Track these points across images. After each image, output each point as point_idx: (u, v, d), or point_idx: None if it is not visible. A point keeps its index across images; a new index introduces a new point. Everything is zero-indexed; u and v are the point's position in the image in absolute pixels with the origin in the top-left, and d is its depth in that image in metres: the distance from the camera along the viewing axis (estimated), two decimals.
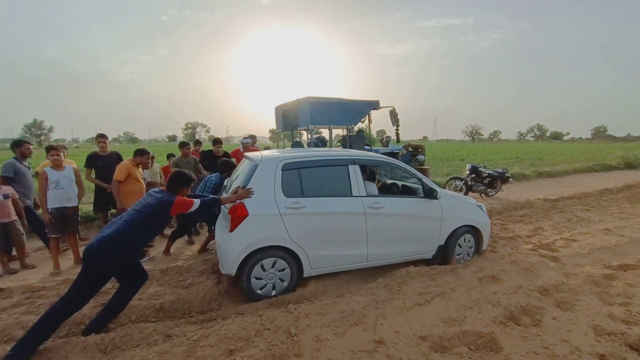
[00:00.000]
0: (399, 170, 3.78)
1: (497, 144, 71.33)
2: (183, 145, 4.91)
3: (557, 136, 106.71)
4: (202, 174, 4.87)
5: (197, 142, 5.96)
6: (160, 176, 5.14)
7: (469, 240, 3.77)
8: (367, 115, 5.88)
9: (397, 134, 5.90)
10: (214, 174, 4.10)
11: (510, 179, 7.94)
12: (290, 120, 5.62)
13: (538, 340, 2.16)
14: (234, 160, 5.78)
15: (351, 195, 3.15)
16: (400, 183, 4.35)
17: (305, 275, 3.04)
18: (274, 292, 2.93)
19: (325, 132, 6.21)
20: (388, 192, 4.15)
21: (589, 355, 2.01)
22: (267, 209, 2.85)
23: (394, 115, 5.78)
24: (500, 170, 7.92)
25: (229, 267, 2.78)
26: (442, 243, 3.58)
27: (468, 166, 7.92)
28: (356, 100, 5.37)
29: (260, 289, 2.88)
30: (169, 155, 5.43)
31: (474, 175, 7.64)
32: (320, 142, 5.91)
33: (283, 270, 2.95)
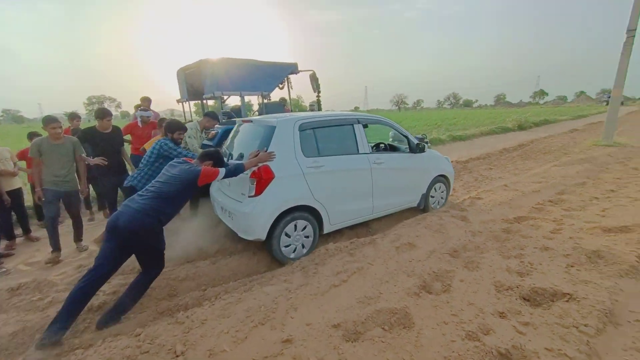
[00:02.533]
0: (390, 129, 4.06)
1: (420, 112, 77.32)
2: (49, 121, 3.34)
3: (468, 104, 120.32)
4: (86, 161, 3.64)
5: (74, 117, 4.71)
6: (15, 164, 3.92)
7: (441, 188, 4.37)
8: (286, 81, 5.35)
9: (319, 101, 5.53)
10: (162, 139, 3.39)
11: (428, 145, 8.41)
12: (195, 87, 4.78)
13: (447, 308, 2.13)
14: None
15: (358, 153, 3.41)
16: (386, 142, 4.55)
17: (325, 231, 3.26)
18: (292, 255, 3.07)
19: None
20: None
21: (491, 315, 2.04)
22: (291, 169, 2.94)
23: (314, 80, 5.36)
24: (419, 136, 8.29)
25: (259, 231, 2.84)
26: (425, 192, 4.11)
27: (391, 133, 8.12)
28: (271, 62, 4.76)
29: (286, 247, 3.03)
30: (31, 135, 4.15)
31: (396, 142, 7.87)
32: (235, 114, 5.23)
33: (308, 237, 3.14)
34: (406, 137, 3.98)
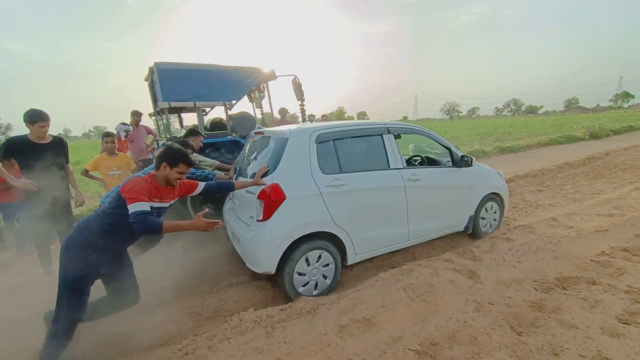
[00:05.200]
0: (429, 139, 3.49)
1: (475, 120, 71.60)
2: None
3: (532, 110, 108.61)
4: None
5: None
6: None
7: (493, 208, 3.68)
8: (266, 89, 4.59)
9: (302, 110, 4.64)
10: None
11: None
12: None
13: None
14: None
15: (389, 168, 2.90)
16: (423, 155, 4.00)
17: (349, 262, 2.71)
18: (315, 292, 2.58)
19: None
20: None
21: None
22: (306, 189, 2.49)
23: (297, 86, 4.51)
24: None
25: (268, 263, 2.38)
26: (473, 213, 3.46)
27: (411, 146, 6.88)
28: (236, 67, 4.03)
29: (303, 286, 2.53)
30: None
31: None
32: (213, 128, 4.52)
33: (327, 265, 2.61)
34: (448, 148, 3.38)
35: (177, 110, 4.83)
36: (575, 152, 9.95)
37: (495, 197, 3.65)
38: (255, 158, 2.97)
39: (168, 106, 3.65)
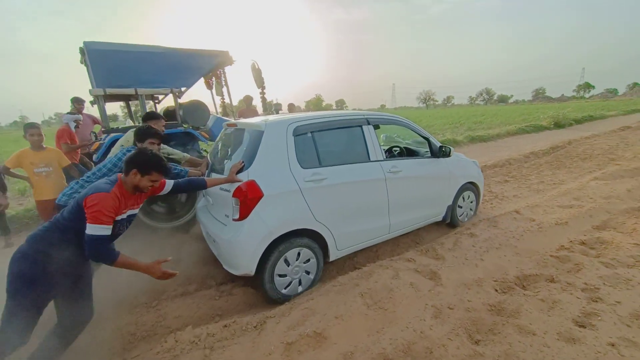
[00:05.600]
0: (407, 130, 3.39)
1: (450, 109, 73.37)
2: None
3: (503, 99, 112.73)
4: None
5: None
6: None
7: (470, 198, 3.73)
8: (222, 75, 4.21)
9: (263, 99, 4.32)
10: (129, 147, 2.56)
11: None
12: None
13: None
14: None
15: (369, 160, 2.82)
16: (401, 146, 3.95)
17: (331, 259, 2.64)
18: (300, 289, 2.51)
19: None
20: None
21: None
22: (285, 185, 2.38)
23: (257, 72, 4.17)
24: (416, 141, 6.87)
25: (246, 264, 2.27)
26: (451, 203, 3.49)
27: (382, 137, 6.76)
28: (185, 49, 3.61)
29: (285, 288, 2.43)
30: None
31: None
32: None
33: (308, 260, 2.52)
34: (427, 139, 3.35)
35: (119, 98, 4.33)
36: (541, 141, 10.28)
37: (471, 186, 3.70)
38: (228, 153, 2.81)
39: (103, 93, 3.21)
